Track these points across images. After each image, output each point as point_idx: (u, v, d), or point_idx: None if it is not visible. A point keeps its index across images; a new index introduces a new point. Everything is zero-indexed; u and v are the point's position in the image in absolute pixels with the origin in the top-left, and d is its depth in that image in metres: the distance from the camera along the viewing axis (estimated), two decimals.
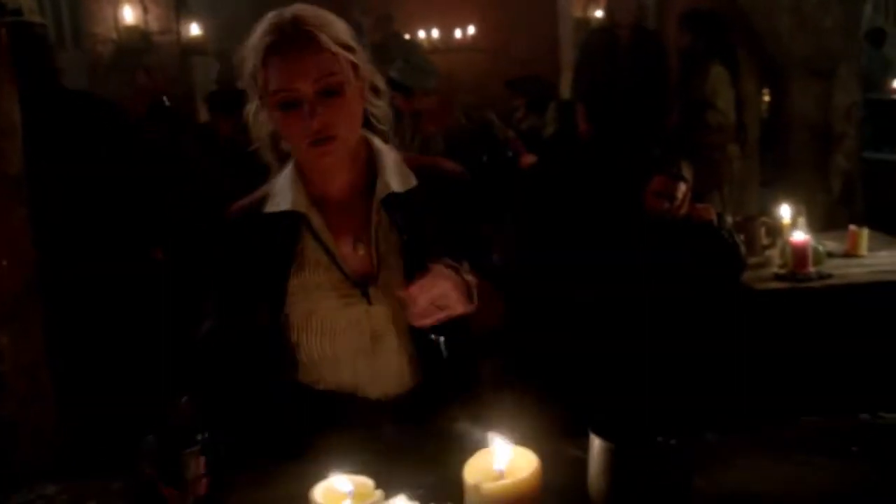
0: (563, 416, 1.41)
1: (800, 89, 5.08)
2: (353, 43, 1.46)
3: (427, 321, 1.34)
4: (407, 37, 7.90)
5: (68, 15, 7.18)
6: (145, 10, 5.39)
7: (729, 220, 3.85)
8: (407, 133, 4.53)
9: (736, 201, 5.09)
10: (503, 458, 1.07)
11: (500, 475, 1.07)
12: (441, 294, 1.33)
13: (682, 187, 3.25)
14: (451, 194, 1.55)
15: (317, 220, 1.50)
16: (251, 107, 1.50)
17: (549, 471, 1.08)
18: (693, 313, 3.07)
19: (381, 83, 1.55)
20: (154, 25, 5.43)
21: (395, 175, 1.51)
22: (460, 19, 8.75)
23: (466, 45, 8.72)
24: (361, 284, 1.47)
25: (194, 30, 6.01)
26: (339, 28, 1.46)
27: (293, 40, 1.40)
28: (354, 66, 1.45)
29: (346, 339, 1.46)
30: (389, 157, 1.54)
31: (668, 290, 3.12)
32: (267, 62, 1.41)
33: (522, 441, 1.09)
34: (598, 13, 7.72)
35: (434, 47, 8.52)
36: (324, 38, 1.40)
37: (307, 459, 1.29)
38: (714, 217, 3.33)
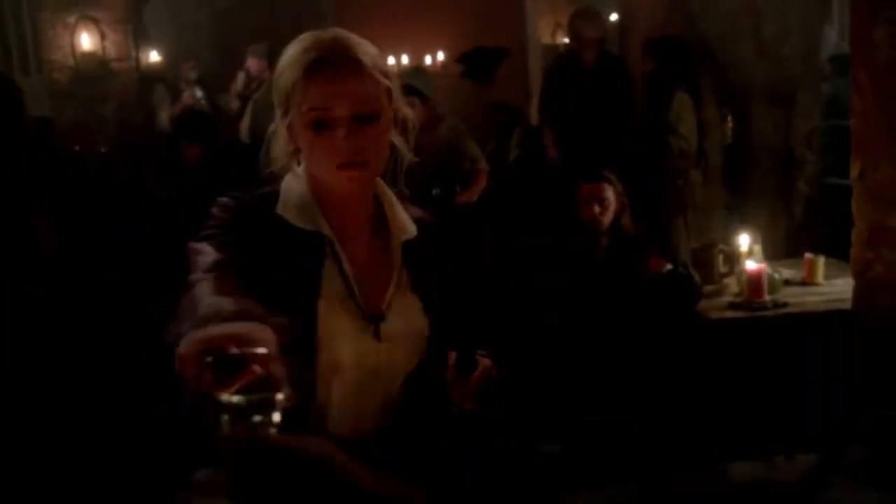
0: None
1: (760, 116, 5.11)
2: (389, 70, 1.44)
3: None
4: None
5: (32, 41, 7.12)
6: (103, 36, 5.34)
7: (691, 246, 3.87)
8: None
9: (699, 227, 5.09)
10: None
11: None
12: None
13: (607, 188, 3.37)
14: (445, 243, 1.58)
15: (340, 248, 1.45)
16: (275, 125, 1.45)
17: None
18: (645, 343, 3.06)
19: (410, 115, 1.52)
20: (112, 52, 5.38)
21: (405, 219, 1.52)
22: (430, 46, 8.77)
23: (436, 72, 8.71)
24: (374, 320, 1.44)
25: (153, 56, 5.97)
26: (376, 54, 1.44)
27: (337, 60, 1.38)
28: (389, 94, 1.43)
29: (350, 372, 1.42)
30: (394, 200, 1.53)
31: (622, 317, 3.12)
32: (308, 78, 1.37)
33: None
34: (567, 40, 7.75)
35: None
36: (366, 62, 1.39)
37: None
38: (667, 266, 3.34)
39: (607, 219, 3.38)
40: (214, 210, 1.46)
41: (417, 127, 1.55)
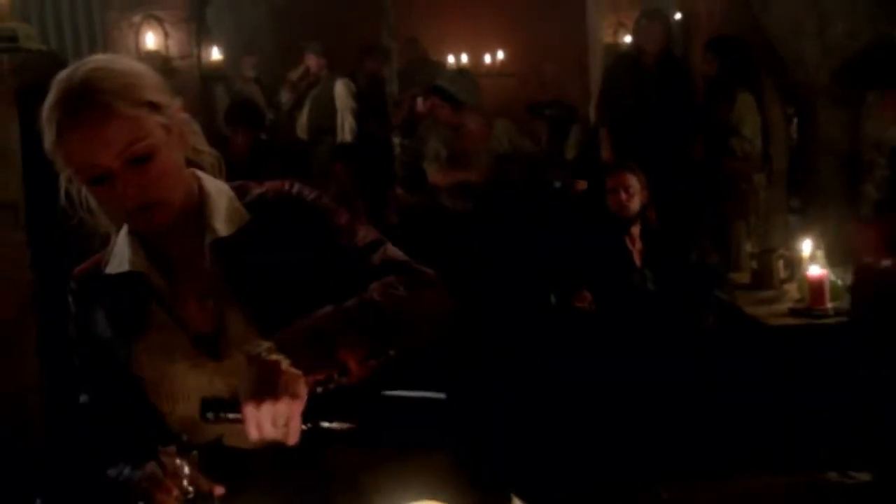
0: (485, 472, 1.32)
1: (827, 117, 4.94)
2: (159, 97, 1.33)
3: (292, 440, 1.20)
4: (435, 61, 7.88)
5: (101, 41, 7.27)
6: (166, 35, 5.43)
7: (748, 247, 3.83)
8: (441, 149, 4.50)
9: (762, 230, 4.97)
10: None
11: None
12: (271, 415, 1.17)
13: (630, 176, 3.50)
14: (293, 219, 1.42)
15: (157, 280, 1.40)
16: (63, 176, 1.37)
17: None
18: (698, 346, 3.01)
19: (196, 138, 1.44)
20: (174, 51, 5.47)
21: (224, 217, 1.40)
22: (490, 44, 8.71)
23: (495, 70, 8.65)
24: (204, 343, 1.38)
25: (215, 54, 6.05)
26: (143, 83, 1.32)
27: (86, 113, 1.26)
28: (165, 126, 1.32)
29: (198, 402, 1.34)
30: (221, 197, 1.43)
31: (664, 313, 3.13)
32: (62, 140, 1.27)
33: (440, 496, 1.01)
34: (628, 38, 7.64)
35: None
36: (120, 105, 1.26)
37: None
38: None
39: (634, 205, 3.48)
40: (68, 300, 1.48)
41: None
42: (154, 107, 1.31)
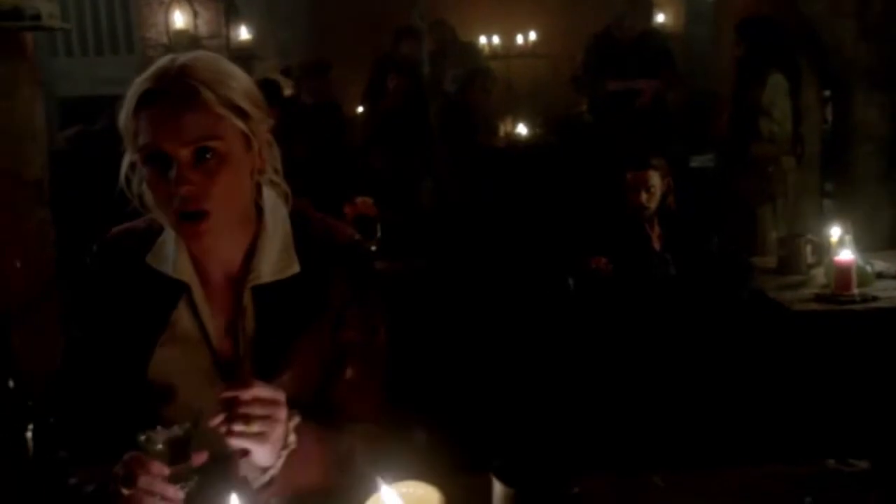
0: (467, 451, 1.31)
1: (863, 100, 4.85)
2: (250, 107, 1.29)
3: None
4: (467, 42, 7.81)
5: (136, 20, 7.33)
6: (195, 14, 5.46)
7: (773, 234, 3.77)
8: None
9: (792, 213, 4.89)
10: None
11: None
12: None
13: (653, 175, 3.37)
14: (337, 276, 1.39)
15: (199, 295, 1.37)
16: (127, 160, 1.33)
17: None
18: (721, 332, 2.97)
19: (277, 160, 1.39)
20: (203, 30, 5.50)
21: (273, 261, 1.37)
22: (521, 25, 8.63)
23: (527, 51, 8.60)
24: (226, 372, 1.35)
25: (243, 34, 6.05)
26: (239, 88, 1.29)
27: (172, 92, 1.24)
28: (246, 134, 1.29)
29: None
30: (276, 237, 1.38)
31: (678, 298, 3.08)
32: (139, 111, 1.25)
33: (424, 477, 1.01)
34: (661, 17, 7.55)
35: (494, 53, 8.43)
36: (209, 95, 1.24)
37: None
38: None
39: (654, 203, 3.40)
40: (87, 261, 1.43)
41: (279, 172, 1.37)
42: (242, 113, 1.28)
